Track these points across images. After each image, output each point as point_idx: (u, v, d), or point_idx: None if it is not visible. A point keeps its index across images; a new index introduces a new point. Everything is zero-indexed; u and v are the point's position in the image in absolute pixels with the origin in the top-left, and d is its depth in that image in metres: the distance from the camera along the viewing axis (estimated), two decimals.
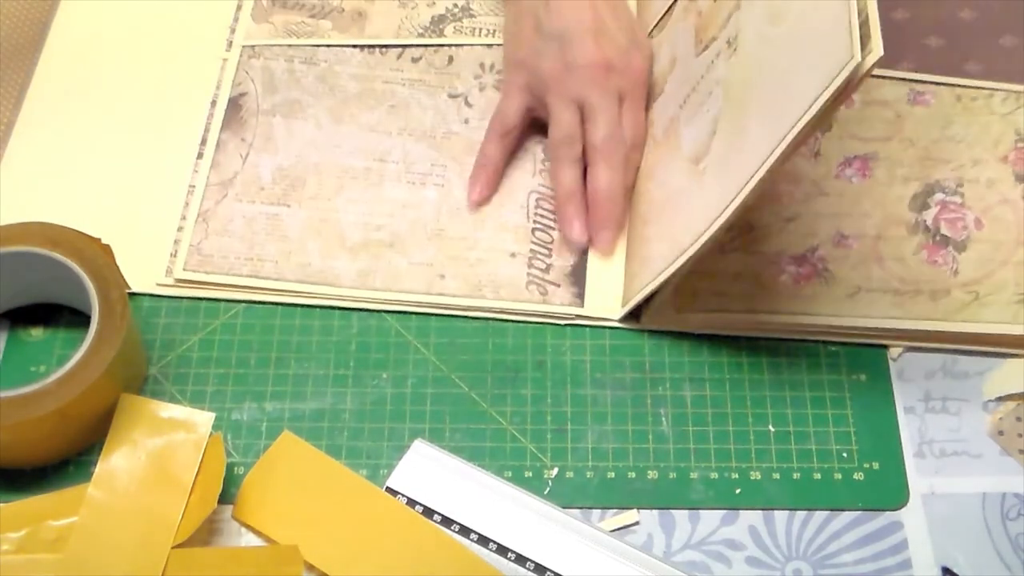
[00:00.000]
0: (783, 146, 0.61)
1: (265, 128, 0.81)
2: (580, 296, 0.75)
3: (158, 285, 0.75)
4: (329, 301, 0.75)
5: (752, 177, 0.63)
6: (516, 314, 0.74)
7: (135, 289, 0.73)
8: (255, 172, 0.79)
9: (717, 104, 0.71)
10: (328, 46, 0.85)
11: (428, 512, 0.66)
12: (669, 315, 0.74)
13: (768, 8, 0.67)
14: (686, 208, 0.71)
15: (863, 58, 0.56)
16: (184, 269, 0.75)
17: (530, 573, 0.65)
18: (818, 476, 0.69)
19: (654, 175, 0.76)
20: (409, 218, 0.78)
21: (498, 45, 0.84)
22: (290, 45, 0.85)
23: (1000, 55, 0.83)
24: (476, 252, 0.76)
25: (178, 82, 0.83)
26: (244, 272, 0.75)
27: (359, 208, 0.78)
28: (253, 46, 0.85)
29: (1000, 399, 0.71)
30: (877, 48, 0.55)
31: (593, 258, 0.76)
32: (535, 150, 0.81)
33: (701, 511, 0.68)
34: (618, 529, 0.67)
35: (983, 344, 0.73)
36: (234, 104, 0.82)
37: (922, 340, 0.73)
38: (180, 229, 0.77)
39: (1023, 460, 0.70)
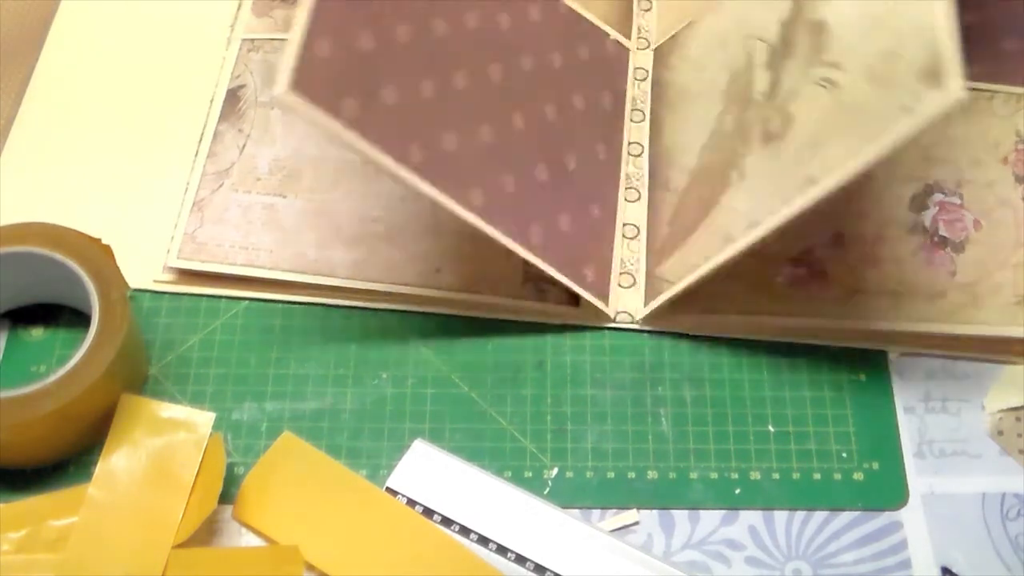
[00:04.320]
0: (856, 167, 0.62)
1: (263, 120, 0.81)
2: (576, 297, 0.75)
3: (155, 282, 0.75)
4: (324, 298, 0.75)
5: (809, 194, 0.64)
6: (511, 312, 0.74)
7: (134, 285, 0.73)
8: (252, 163, 0.79)
9: (778, 118, 0.71)
10: None
11: (428, 512, 0.67)
12: (664, 315, 0.73)
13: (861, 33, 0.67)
14: (715, 216, 0.71)
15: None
16: (178, 257, 0.75)
17: (530, 573, 0.65)
18: (818, 476, 0.69)
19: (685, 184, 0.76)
20: (406, 211, 0.78)
21: None
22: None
23: (1001, 59, 0.83)
24: (473, 247, 0.76)
25: (178, 81, 0.83)
26: (239, 261, 0.75)
27: (356, 201, 0.78)
28: (253, 39, 0.85)
29: (1002, 411, 0.71)
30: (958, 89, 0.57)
31: None
32: None
33: (701, 511, 0.68)
34: (618, 529, 0.67)
35: (979, 349, 0.73)
36: (232, 96, 0.82)
37: (918, 344, 0.73)
38: (175, 226, 0.77)
39: (1023, 460, 0.70)
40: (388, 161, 0.67)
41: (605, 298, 0.74)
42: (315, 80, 0.64)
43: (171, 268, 0.75)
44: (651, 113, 0.82)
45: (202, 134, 0.80)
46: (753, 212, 0.68)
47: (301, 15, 0.66)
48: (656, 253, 0.75)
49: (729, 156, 0.74)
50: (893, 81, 0.63)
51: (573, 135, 0.78)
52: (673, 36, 0.84)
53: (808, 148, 0.67)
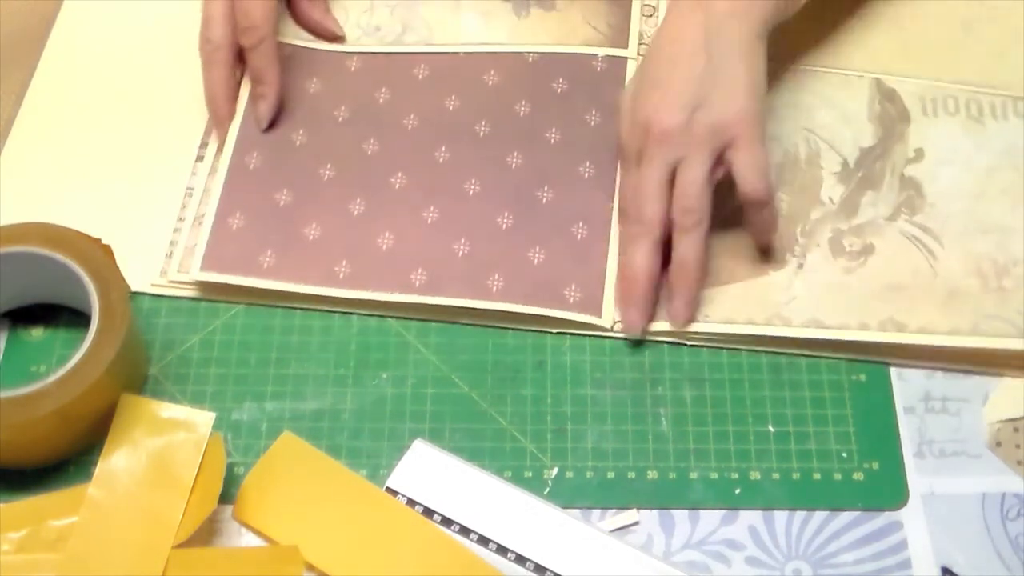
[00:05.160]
0: (957, 345, 0.71)
1: None
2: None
3: (153, 285, 0.75)
4: (328, 306, 0.74)
5: (893, 337, 0.71)
6: (510, 320, 0.74)
7: (134, 289, 0.73)
8: None
9: (858, 242, 0.75)
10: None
11: (428, 512, 0.67)
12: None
13: None
14: (762, 285, 0.73)
15: None
16: (178, 271, 0.75)
17: (530, 573, 0.65)
18: (818, 476, 0.69)
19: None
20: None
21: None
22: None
23: None
24: None
25: (180, 83, 0.83)
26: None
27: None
28: None
29: (1001, 422, 0.71)
30: None
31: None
32: None
33: (701, 511, 0.68)
34: (618, 529, 0.67)
35: (977, 363, 0.73)
36: None
37: (919, 358, 0.73)
38: (176, 231, 0.76)
39: (1022, 471, 0.69)
40: (311, 288, 0.73)
41: (597, 310, 0.74)
42: (226, 253, 0.74)
43: (171, 281, 0.75)
44: None
45: (204, 140, 0.80)
46: (816, 310, 0.72)
47: (213, 199, 0.76)
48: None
49: (783, 238, 0.75)
50: (1008, 293, 0.72)
51: (546, 170, 0.79)
52: None
53: (894, 291, 0.72)
